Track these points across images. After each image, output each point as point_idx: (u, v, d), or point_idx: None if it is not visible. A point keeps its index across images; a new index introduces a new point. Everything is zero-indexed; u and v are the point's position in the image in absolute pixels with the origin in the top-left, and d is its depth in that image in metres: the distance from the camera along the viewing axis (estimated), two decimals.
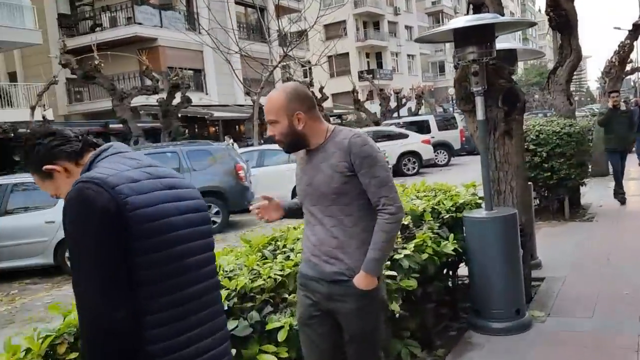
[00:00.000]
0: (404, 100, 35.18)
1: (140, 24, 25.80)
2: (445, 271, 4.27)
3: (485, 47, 3.97)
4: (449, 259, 4.09)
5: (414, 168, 17.85)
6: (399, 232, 3.63)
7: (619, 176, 9.17)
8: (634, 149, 11.38)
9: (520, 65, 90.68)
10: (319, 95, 26.72)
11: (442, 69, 63.52)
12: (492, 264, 4.08)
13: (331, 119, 35.19)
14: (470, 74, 4.20)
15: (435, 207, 4.22)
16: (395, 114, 32.15)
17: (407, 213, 3.87)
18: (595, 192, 10.46)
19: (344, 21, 48.08)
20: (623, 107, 8.80)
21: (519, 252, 4.26)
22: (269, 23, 32.50)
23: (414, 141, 18.04)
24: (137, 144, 15.51)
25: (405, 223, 3.74)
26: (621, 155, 9.22)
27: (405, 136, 18.00)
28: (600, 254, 5.97)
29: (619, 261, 5.64)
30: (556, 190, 8.34)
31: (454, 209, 4.33)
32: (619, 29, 31.91)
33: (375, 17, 49.78)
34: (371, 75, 46.80)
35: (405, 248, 3.47)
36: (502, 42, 5.35)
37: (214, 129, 29.12)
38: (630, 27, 12.40)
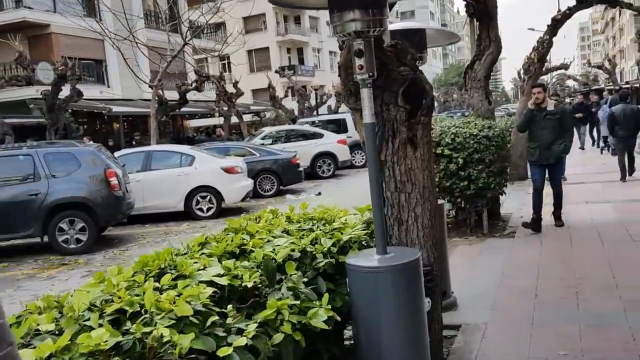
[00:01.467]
0: (324, 98, 34.09)
1: (29, 7, 23.12)
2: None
3: (372, 13, 2.69)
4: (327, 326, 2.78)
5: (329, 170, 16.68)
6: (234, 302, 2.29)
7: (537, 200, 7.18)
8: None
9: (439, 65, 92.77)
10: (233, 90, 25.11)
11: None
12: (386, 328, 2.82)
13: (249, 115, 33.57)
14: (353, 55, 2.91)
15: (309, 249, 2.90)
16: (315, 112, 31.02)
17: (253, 267, 2.53)
18: (514, 200, 9.64)
19: (264, 14, 46.64)
20: (551, 106, 7.00)
21: (424, 306, 3.02)
22: (181, 12, 30.46)
23: (330, 141, 16.87)
24: (3, 143, 13.34)
25: (250, 284, 2.39)
26: (549, 168, 7.17)
27: (320, 136, 16.79)
28: (526, 286, 4.91)
29: (548, 297, 4.59)
30: (474, 201, 7.34)
31: (337, 249, 3.04)
32: (532, 29, 32.49)
33: (296, 12, 48.45)
34: (292, 72, 45.61)
35: (242, 332, 2.12)
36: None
37: (118, 125, 26.78)
38: (549, 23, 11.75)
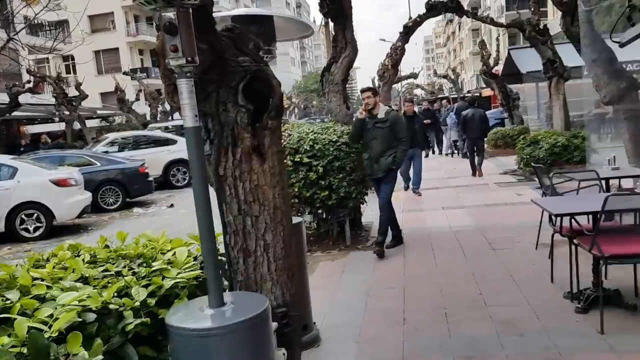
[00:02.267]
0: None
1: None
2: None
3: None
4: None
5: (184, 179, 15.47)
6: None
7: (383, 218, 6.46)
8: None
9: (299, 72, 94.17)
10: (76, 93, 22.73)
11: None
12: None
13: (96, 120, 30.85)
14: (162, 30, 2.14)
15: (113, 305, 2.05)
16: (170, 117, 29.32)
17: (17, 345, 1.64)
18: (375, 207, 9.39)
19: (112, 13, 43.54)
20: (382, 113, 6.18)
21: None
22: (15, 7, 27.05)
23: (184, 148, 15.62)
24: None
25: None
26: (379, 182, 6.37)
27: (174, 142, 15.49)
28: (393, 308, 4.44)
29: (417, 321, 4.14)
30: (336, 211, 6.86)
31: (156, 300, 2.21)
32: (384, 40, 33.80)
33: (147, 12, 45.81)
34: (144, 74, 43.07)
35: None
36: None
37: None
38: (402, 30, 11.85)
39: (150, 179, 12.55)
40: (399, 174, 9.83)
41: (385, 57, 12.08)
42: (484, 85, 24.49)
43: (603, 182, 5.33)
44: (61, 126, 24.89)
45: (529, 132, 15.33)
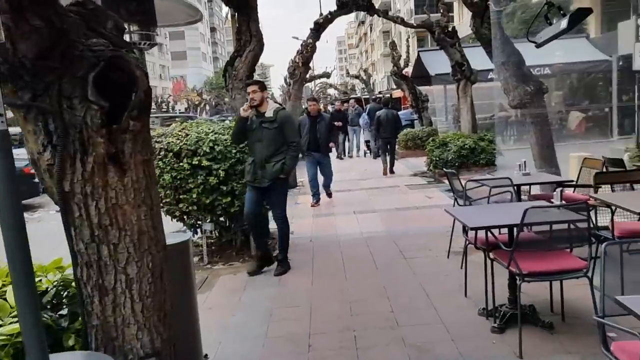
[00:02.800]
0: None
1: None
2: None
3: None
4: None
5: None
6: None
7: (253, 233, 5.85)
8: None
9: (210, 68, 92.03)
10: None
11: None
12: None
13: None
14: None
15: None
16: None
17: None
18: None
19: None
20: (270, 112, 5.34)
21: None
22: None
23: None
24: None
25: None
26: (265, 193, 5.44)
27: None
28: (298, 333, 3.97)
29: (324, 347, 3.70)
30: (240, 219, 6.30)
31: None
32: (297, 38, 33.50)
33: None
34: None
35: None
36: None
37: None
38: (312, 27, 11.46)
39: (37, 179, 11.29)
40: (308, 185, 9.48)
41: (296, 55, 11.63)
42: (395, 87, 24.79)
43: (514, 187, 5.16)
44: None
45: (438, 133, 15.53)
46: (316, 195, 9.38)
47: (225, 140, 5.95)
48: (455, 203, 5.60)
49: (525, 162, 5.68)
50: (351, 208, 8.83)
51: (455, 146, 11.69)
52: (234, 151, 5.91)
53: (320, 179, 9.52)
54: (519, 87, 7.22)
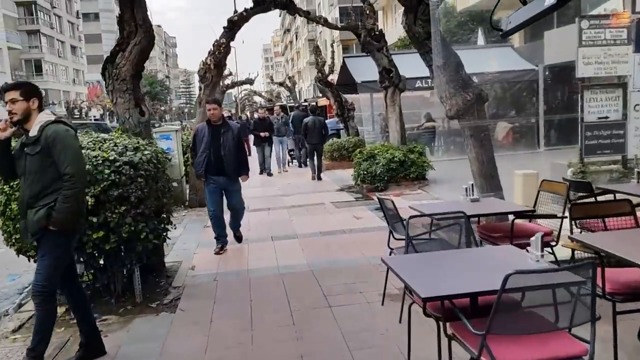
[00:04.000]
0: None
1: None
2: None
3: None
4: None
5: None
6: None
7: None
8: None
9: None
10: None
11: (38, 68, 54.98)
12: None
13: None
14: None
15: None
16: None
17: None
18: (191, 236, 7.58)
19: None
20: (35, 130, 3.42)
21: None
22: None
23: None
24: None
25: None
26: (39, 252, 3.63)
27: None
28: None
29: None
30: (120, 257, 4.91)
31: None
32: (214, 32, 31.68)
33: None
34: None
35: None
36: None
37: None
38: (225, 25, 10.17)
39: None
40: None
41: (207, 56, 10.28)
42: (320, 94, 23.85)
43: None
44: None
45: (365, 144, 14.64)
46: (221, 239, 6.67)
47: (97, 157, 4.55)
48: (391, 236, 4.50)
49: (472, 185, 4.69)
50: (269, 232, 7.59)
51: (384, 159, 10.74)
52: (106, 171, 4.53)
53: (227, 214, 6.85)
54: (456, 95, 6.28)
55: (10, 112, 3.50)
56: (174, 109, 77.59)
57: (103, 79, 5.67)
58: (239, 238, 6.96)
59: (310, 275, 5.46)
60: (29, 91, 3.56)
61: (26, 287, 5.95)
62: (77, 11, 67.56)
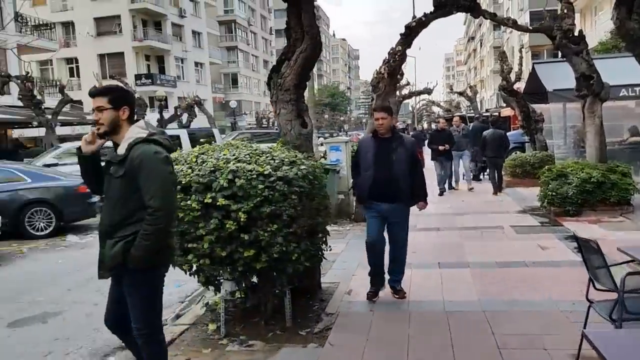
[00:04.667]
0: (178, 111, 30.54)
1: None
2: None
3: None
4: None
5: None
6: None
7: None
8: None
9: (314, 85, 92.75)
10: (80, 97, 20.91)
11: (235, 82, 60.25)
12: None
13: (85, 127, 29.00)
14: None
15: None
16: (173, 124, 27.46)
17: None
18: (352, 254, 7.14)
19: (119, 16, 41.99)
20: (123, 147, 3.05)
21: None
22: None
23: None
24: None
25: None
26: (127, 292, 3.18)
27: None
28: None
29: None
30: (270, 277, 4.63)
31: None
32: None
33: (156, 17, 44.35)
34: (150, 80, 41.44)
35: None
36: None
37: None
38: (403, 32, 9.63)
39: (94, 199, 10.38)
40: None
41: (382, 64, 9.86)
42: (504, 104, 22.16)
43: None
44: (41, 131, 23.11)
45: (554, 160, 13.00)
46: (377, 279, 5.39)
47: (251, 171, 4.30)
48: (591, 284, 3.51)
49: None
50: (436, 257, 6.85)
51: (577, 179, 9.27)
52: (260, 186, 4.24)
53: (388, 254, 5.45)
54: None
55: (97, 122, 3.08)
56: (352, 119, 79.54)
57: (268, 89, 5.49)
58: (398, 292, 5.32)
59: (482, 318, 4.62)
60: (119, 98, 3.11)
61: (188, 296, 6.02)
62: (271, 27, 72.76)
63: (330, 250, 5.24)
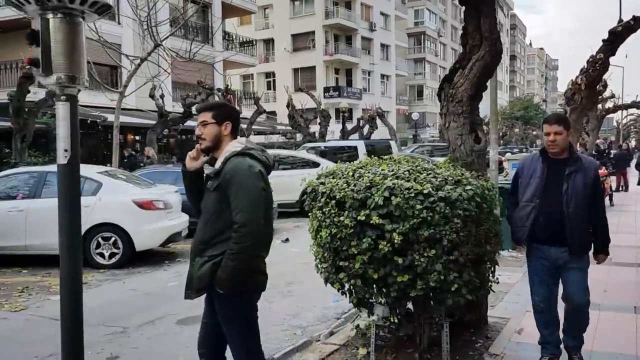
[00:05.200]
0: (361, 122, 31.20)
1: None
2: None
3: None
4: None
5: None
6: None
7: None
8: None
9: (505, 97, 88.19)
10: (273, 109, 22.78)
11: (420, 93, 59.91)
12: None
13: (277, 136, 31.10)
14: None
15: None
16: (354, 136, 28.20)
17: None
18: (526, 287, 6.31)
19: (313, 32, 44.44)
20: (221, 157, 3.04)
21: None
22: (214, 23, 28.55)
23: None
24: None
25: None
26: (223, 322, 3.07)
27: (316, 165, 13.78)
28: None
29: None
30: (427, 307, 4.22)
31: None
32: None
33: (348, 31, 46.05)
34: (337, 93, 43.07)
35: None
36: None
37: (132, 137, 24.82)
38: (606, 37, 8.43)
39: (274, 205, 10.83)
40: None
41: (579, 74, 8.76)
42: None
43: None
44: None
45: None
46: (548, 348, 4.16)
47: (409, 189, 3.94)
48: None
49: None
50: (633, 299, 5.74)
51: None
52: (418, 206, 3.87)
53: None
54: None
55: (199, 137, 3.03)
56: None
57: (439, 100, 5.08)
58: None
59: None
60: (223, 114, 3.06)
61: (345, 313, 5.83)
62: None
63: (498, 283, 4.63)
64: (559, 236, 3.88)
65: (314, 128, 26.31)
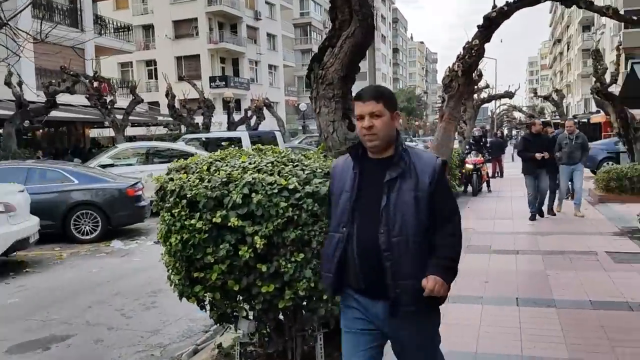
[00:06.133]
0: (249, 113, 30.38)
1: None
2: None
3: None
4: None
5: None
6: None
7: None
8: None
9: (389, 89, 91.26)
10: (157, 99, 21.05)
11: (308, 85, 59.94)
12: None
13: (153, 127, 29.41)
14: None
15: None
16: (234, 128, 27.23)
17: None
18: None
19: (196, 19, 42.66)
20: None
21: None
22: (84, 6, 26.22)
23: None
24: None
25: None
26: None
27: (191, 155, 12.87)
28: None
29: None
30: (299, 317, 3.70)
31: None
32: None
33: (232, 19, 44.75)
34: (224, 83, 41.79)
35: None
36: None
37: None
38: (481, 23, 8.41)
39: (144, 203, 9.87)
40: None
41: (456, 60, 8.67)
42: (594, 110, 20.10)
43: None
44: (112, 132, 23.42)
45: None
46: None
47: (272, 184, 3.37)
48: None
49: None
50: (513, 290, 5.65)
51: None
52: (283, 204, 3.31)
53: None
54: None
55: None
56: (428, 124, 77.38)
57: (308, 83, 4.55)
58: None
59: None
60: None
61: (214, 325, 5.17)
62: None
63: None
64: (375, 284, 2.39)
65: (199, 119, 25.09)
